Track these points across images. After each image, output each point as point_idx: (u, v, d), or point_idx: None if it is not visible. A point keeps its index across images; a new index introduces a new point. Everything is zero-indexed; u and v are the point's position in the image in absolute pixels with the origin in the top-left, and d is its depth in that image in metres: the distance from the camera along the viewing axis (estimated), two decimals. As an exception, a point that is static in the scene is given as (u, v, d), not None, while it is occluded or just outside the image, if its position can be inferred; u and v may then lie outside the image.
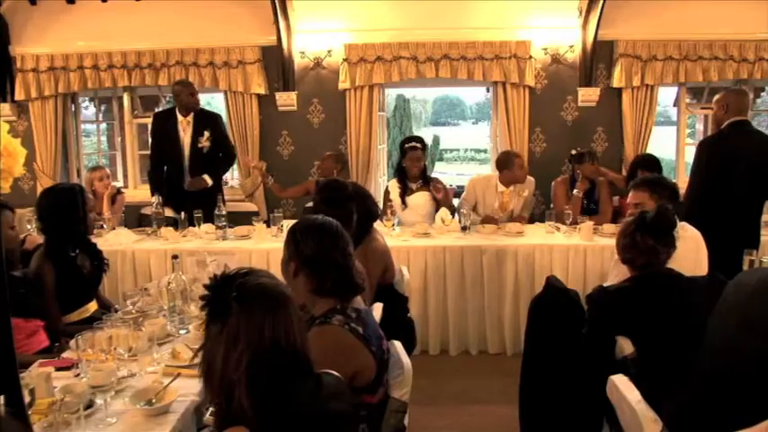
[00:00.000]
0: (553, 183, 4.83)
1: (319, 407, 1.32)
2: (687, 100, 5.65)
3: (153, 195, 4.54)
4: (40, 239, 2.94)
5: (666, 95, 6.20)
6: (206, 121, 4.65)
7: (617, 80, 5.25)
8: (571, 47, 5.27)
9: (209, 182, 4.56)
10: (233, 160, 5.04)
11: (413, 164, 4.48)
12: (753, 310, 1.41)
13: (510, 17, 5.24)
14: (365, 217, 2.91)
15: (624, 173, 5.32)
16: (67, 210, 2.78)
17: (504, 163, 4.47)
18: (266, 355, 1.25)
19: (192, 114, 4.62)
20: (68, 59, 5.38)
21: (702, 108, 5.66)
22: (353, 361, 1.71)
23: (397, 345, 2.00)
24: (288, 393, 1.27)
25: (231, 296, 1.28)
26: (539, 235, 4.12)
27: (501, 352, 4.04)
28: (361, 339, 1.73)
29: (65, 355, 2.20)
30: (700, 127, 6.02)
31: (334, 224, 1.87)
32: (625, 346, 2.19)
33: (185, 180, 4.62)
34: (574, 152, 4.67)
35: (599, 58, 5.27)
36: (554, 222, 4.29)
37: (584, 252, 3.86)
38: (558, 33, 5.25)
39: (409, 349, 2.48)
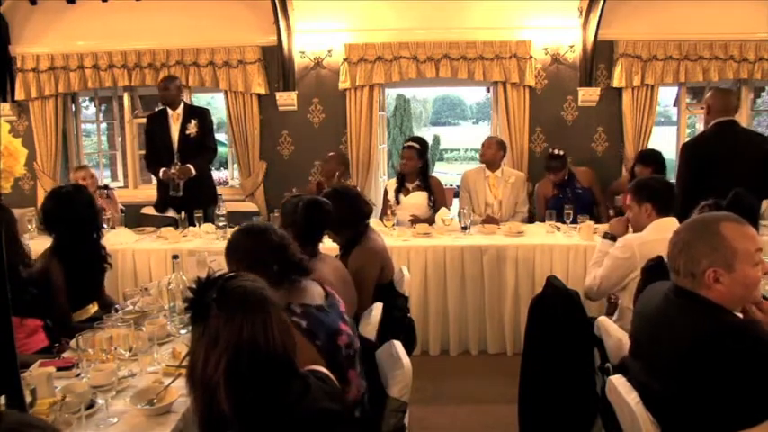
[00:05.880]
0: (537, 185, 4.87)
1: (307, 407, 1.31)
2: (687, 100, 5.65)
3: (157, 177, 4.65)
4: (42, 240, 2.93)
5: (666, 95, 6.21)
6: (194, 112, 4.76)
7: (617, 80, 5.25)
8: (571, 47, 5.27)
9: (194, 171, 4.54)
10: (213, 154, 4.97)
11: (402, 162, 4.57)
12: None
13: (510, 17, 5.24)
14: (357, 219, 2.90)
15: (624, 173, 5.33)
16: (82, 210, 2.78)
17: None
18: (244, 356, 1.25)
19: (181, 107, 4.69)
20: (68, 59, 5.38)
21: (702, 108, 5.65)
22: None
23: (397, 345, 2.00)
24: (270, 395, 1.27)
25: (211, 298, 1.29)
26: (539, 235, 4.12)
27: (501, 352, 4.04)
28: (304, 333, 1.74)
29: (65, 354, 2.20)
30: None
31: (262, 226, 2.03)
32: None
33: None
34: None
35: (599, 58, 5.27)
36: (554, 222, 4.30)
37: (584, 252, 3.85)
38: (559, 33, 5.25)
39: (409, 349, 2.48)
